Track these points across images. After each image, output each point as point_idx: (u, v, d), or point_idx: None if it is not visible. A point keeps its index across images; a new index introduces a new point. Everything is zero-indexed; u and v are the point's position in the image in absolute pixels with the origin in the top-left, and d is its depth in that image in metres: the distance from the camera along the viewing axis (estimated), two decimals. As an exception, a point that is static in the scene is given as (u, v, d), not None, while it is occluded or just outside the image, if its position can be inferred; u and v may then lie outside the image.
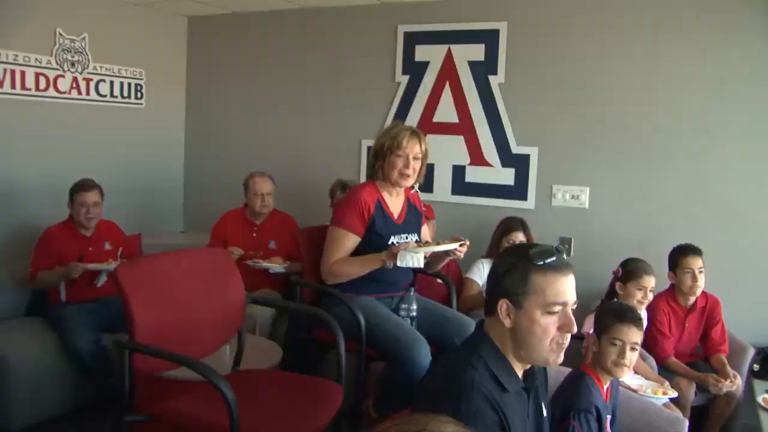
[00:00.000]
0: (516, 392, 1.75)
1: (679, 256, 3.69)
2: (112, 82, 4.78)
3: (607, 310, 2.56)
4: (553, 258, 1.72)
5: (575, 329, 1.74)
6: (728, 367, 3.61)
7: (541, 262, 1.70)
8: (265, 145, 5.15)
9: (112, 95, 4.79)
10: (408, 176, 3.15)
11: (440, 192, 4.53)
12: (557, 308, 1.70)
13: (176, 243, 4.99)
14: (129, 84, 4.90)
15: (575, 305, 1.75)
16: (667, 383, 3.24)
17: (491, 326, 1.78)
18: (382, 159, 3.14)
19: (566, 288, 1.71)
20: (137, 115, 5.00)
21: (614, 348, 2.46)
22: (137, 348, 2.21)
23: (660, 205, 4.14)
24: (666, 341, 3.66)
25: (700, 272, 3.64)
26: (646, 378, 3.27)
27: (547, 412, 1.96)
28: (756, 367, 3.85)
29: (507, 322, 1.72)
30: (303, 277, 3.29)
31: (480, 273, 4.02)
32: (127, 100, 4.90)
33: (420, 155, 3.17)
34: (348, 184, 4.32)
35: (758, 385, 3.70)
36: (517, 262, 1.72)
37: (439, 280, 4.03)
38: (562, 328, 1.71)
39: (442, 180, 4.54)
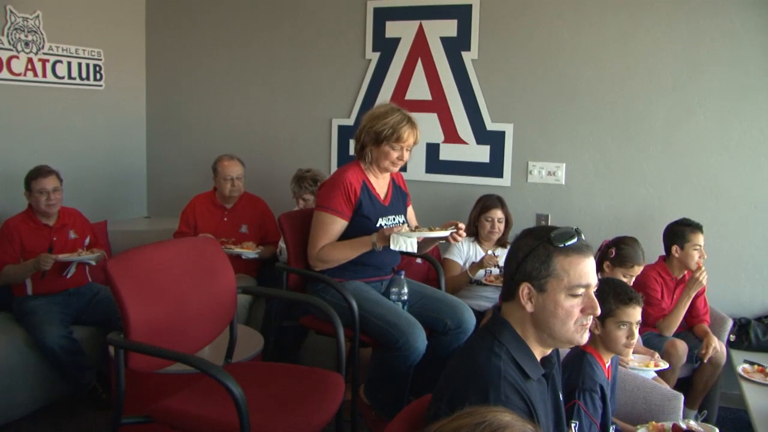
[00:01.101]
0: (537, 379, 1.73)
1: (689, 232, 3.73)
2: (69, 63, 4.54)
3: (606, 293, 2.54)
4: (575, 240, 1.69)
5: (599, 311, 1.73)
6: (711, 335, 3.68)
7: (563, 245, 1.67)
8: (231, 126, 5.00)
9: (69, 77, 4.55)
10: (398, 165, 3.13)
11: (414, 171, 4.46)
12: (581, 291, 1.68)
13: (141, 229, 4.85)
14: (87, 65, 4.66)
15: (596, 287, 1.73)
16: (657, 355, 3.28)
17: (510, 311, 1.75)
18: (374, 144, 3.06)
19: (588, 270, 1.69)
20: (96, 98, 4.77)
21: (622, 331, 2.48)
22: (134, 347, 2.10)
23: (636, 179, 4.16)
24: (659, 305, 3.74)
25: (703, 248, 3.71)
26: (634, 351, 3.30)
27: (563, 396, 1.95)
28: (732, 337, 3.95)
29: (529, 307, 1.69)
30: (289, 263, 3.20)
31: (459, 252, 3.99)
32: (85, 81, 4.67)
33: (413, 145, 3.12)
34: (304, 174, 4.23)
35: (736, 355, 3.79)
36: (538, 245, 1.69)
37: (419, 261, 4.02)
38: (585, 310, 1.69)
39: (416, 158, 4.46)
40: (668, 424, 2.55)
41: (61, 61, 4.48)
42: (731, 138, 3.99)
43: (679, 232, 3.75)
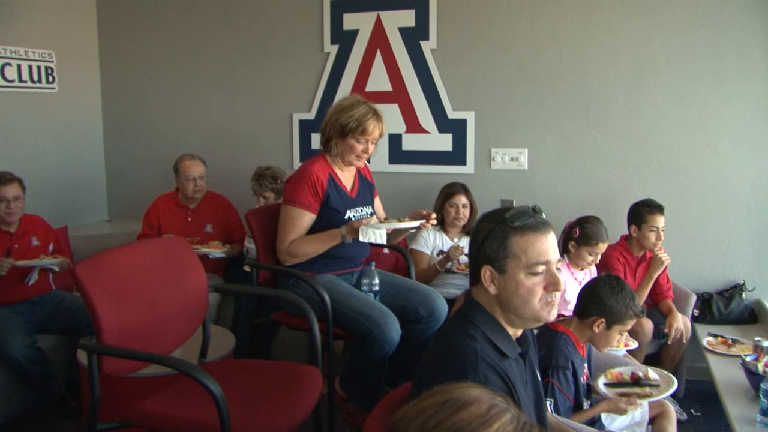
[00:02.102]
0: (514, 358, 1.74)
1: (647, 213, 3.80)
2: (19, 66, 4.40)
3: (627, 305, 2.58)
4: (530, 218, 1.69)
5: (562, 287, 1.74)
6: (675, 313, 3.76)
7: (519, 224, 1.68)
8: (191, 125, 4.92)
9: (20, 80, 4.43)
10: (363, 159, 3.13)
11: (378, 162, 4.44)
12: (541, 268, 1.68)
13: (104, 233, 4.75)
14: (39, 67, 4.53)
15: (559, 263, 1.75)
16: (626, 335, 3.33)
17: (479, 295, 1.76)
18: (339, 137, 3.05)
19: (547, 246, 1.69)
20: (50, 101, 4.65)
21: (621, 336, 2.71)
22: (108, 351, 2.06)
23: (598, 163, 4.21)
24: None
25: (663, 231, 3.78)
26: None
27: (540, 380, 1.96)
28: (696, 312, 4.04)
29: (492, 289, 1.70)
30: (258, 259, 3.17)
31: (426, 242, 4.00)
32: (37, 84, 4.54)
33: (379, 137, 3.11)
34: (264, 172, 4.20)
35: (700, 328, 3.88)
36: (495, 227, 1.70)
37: (386, 251, 4.02)
38: (549, 287, 1.69)
39: (379, 149, 4.42)
40: (627, 372, 2.60)
41: (10, 64, 4.34)
42: (688, 119, 4.07)
43: (638, 213, 3.83)
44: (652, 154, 4.14)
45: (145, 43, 4.99)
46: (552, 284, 1.69)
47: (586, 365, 2.66)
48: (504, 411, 1.05)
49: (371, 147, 3.08)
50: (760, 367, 2.96)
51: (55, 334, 3.75)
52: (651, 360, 3.79)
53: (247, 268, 3.67)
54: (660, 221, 3.78)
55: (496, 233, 1.69)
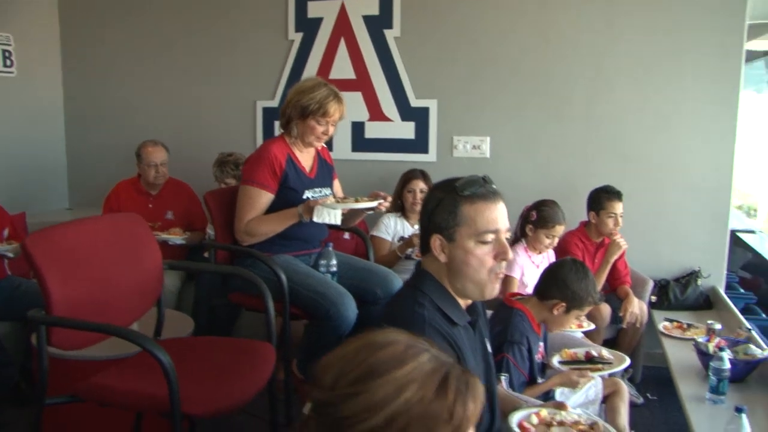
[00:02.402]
0: (463, 326, 1.76)
1: (605, 200, 3.86)
2: (-25, 49, 4.36)
3: (583, 294, 2.63)
4: (481, 187, 1.70)
5: (511, 256, 1.76)
6: (630, 298, 3.82)
7: (469, 192, 1.69)
8: (154, 112, 4.89)
9: (-24, 63, 4.38)
10: (323, 140, 3.13)
11: (340, 150, 4.46)
12: (490, 237, 1.69)
13: (63, 221, 4.66)
14: (-5, 51, 4.49)
15: (509, 233, 1.76)
16: (583, 317, 3.38)
17: (429, 264, 1.78)
18: (299, 118, 3.05)
19: (496, 215, 1.70)
20: (8, 86, 4.58)
21: (576, 321, 2.89)
22: (56, 322, 2.04)
23: (559, 150, 4.27)
24: None
25: (621, 217, 3.83)
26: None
27: (491, 347, 1.99)
28: (653, 298, 4.10)
29: (442, 258, 1.72)
30: (216, 240, 3.16)
31: (387, 229, 4.01)
32: (-6, 68, 4.49)
33: (339, 119, 3.12)
34: (226, 158, 4.18)
35: (657, 315, 3.94)
36: (445, 196, 1.71)
37: (346, 236, 4.03)
38: (498, 256, 1.71)
39: (342, 137, 4.48)
40: (581, 351, 2.64)
41: (-36, 47, 4.29)
42: (647, 108, 4.14)
43: (597, 199, 3.89)
44: (611, 143, 4.20)
45: (108, 28, 4.95)
46: (501, 253, 1.70)
47: (542, 344, 2.69)
48: (422, 351, 1.05)
49: (331, 129, 3.09)
50: (711, 347, 3.01)
51: (11, 320, 3.69)
52: (608, 345, 3.82)
53: (207, 254, 3.66)
54: (618, 207, 3.84)
55: (447, 202, 1.70)
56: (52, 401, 2.15)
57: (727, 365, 2.76)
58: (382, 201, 3.00)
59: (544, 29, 4.20)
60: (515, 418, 1.95)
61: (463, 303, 1.80)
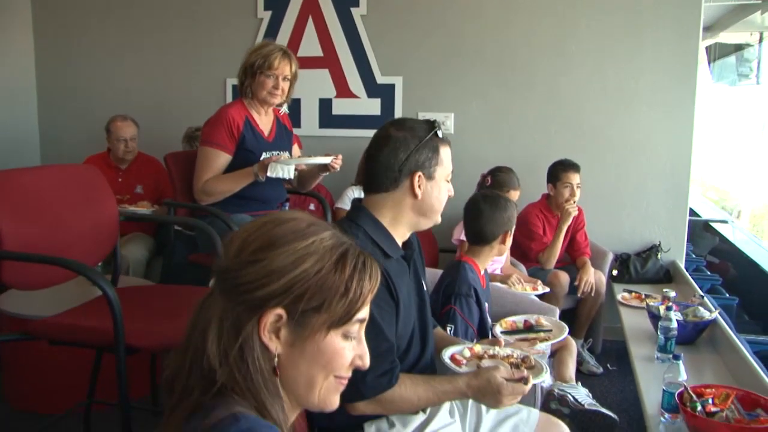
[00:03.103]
0: (397, 259, 1.82)
1: (561, 171, 3.96)
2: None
3: (511, 214, 2.73)
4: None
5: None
6: (587, 268, 3.90)
7: (443, 137, 1.85)
8: (125, 88, 4.93)
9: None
10: (277, 95, 3.16)
11: (308, 126, 4.54)
12: (451, 176, 1.88)
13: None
14: (-33, 30, 4.53)
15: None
16: (539, 282, 3.45)
17: (380, 200, 1.84)
18: (251, 77, 3.12)
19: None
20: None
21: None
22: (6, 255, 2.08)
23: (522, 127, 4.36)
24: (541, 240, 3.94)
25: (578, 187, 3.93)
26: (518, 284, 3.46)
27: (426, 287, 2.04)
28: (614, 272, 4.18)
29: (419, 193, 1.81)
30: (174, 199, 3.22)
31: (350, 200, 4.06)
32: (-35, 44, 4.53)
33: (290, 76, 3.18)
34: (194, 133, 4.24)
35: (618, 288, 4.02)
36: (426, 137, 1.81)
37: (312, 207, 4.09)
38: (449, 191, 1.89)
39: (309, 114, 4.55)
40: (519, 320, 2.69)
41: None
42: (607, 85, 4.24)
43: (554, 172, 3.99)
44: (573, 119, 4.29)
45: (80, 6, 4.98)
46: (450, 190, 1.90)
47: (486, 304, 2.71)
48: (324, 229, 1.12)
49: (283, 84, 3.14)
50: (662, 310, 3.09)
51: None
52: (568, 315, 3.92)
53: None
54: (573, 178, 3.93)
55: (428, 144, 1.81)
56: (3, 338, 2.20)
57: (674, 324, 2.84)
58: (334, 158, 3.06)
59: (507, 9, 4.29)
60: (448, 352, 2.01)
61: (402, 236, 1.87)
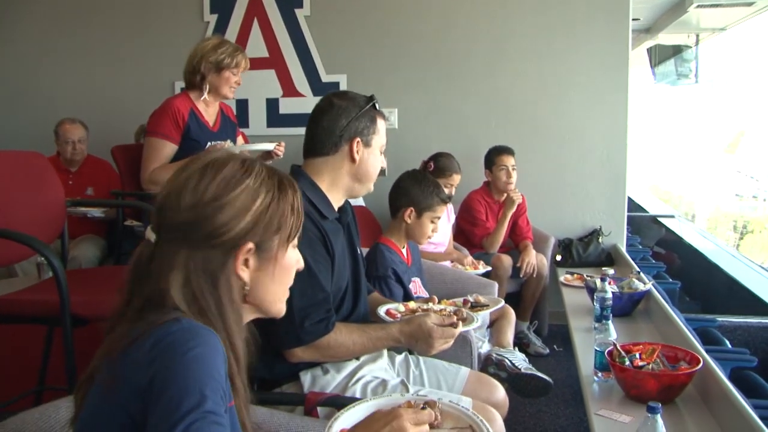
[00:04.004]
0: (332, 221, 1.93)
1: (495, 155, 4.12)
2: None
3: (430, 192, 2.81)
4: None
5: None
6: (529, 251, 4.04)
7: (378, 109, 1.99)
8: (73, 91, 4.96)
9: None
10: (234, 90, 3.32)
11: (256, 126, 4.65)
12: (384, 148, 2.00)
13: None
14: None
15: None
16: (482, 263, 3.57)
17: (318, 165, 1.97)
18: (216, 72, 3.23)
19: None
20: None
21: (432, 225, 2.79)
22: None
23: (463, 120, 4.53)
24: (484, 225, 4.06)
25: (513, 169, 4.09)
26: (462, 264, 3.57)
27: (360, 252, 2.14)
28: (558, 257, 4.33)
29: (357, 158, 1.93)
30: (122, 189, 3.29)
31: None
32: None
33: (244, 69, 3.34)
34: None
35: (561, 272, 4.16)
36: (365, 106, 1.95)
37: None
38: (382, 163, 2.03)
39: (257, 114, 4.66)
40: (459, 300, 2.78)
41: None
42: (544, 76, 4.42)
43: (489, 157, 4.16)
44: (512, 111, 4.46)
45: (27, 9, 5.00)
46: (383, 162, 2.03)
47: (417, 279, 2.78)
48: (254, 162, 1.24)
49: (239, 79, 3.30)
50: (598, 282, 3.22)
51: None
52: (513, 298, 4.04)
53: (131, 223, 3.75)
54: (508, 160, 4.09)
55: (368, 113, 1.95)
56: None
57: (609, 294, 2.96)
58: (277, 145, 3.16)
59: (445, 6, 4.47)
60: (384, 308, 2.11)
61: (335, 203, 1.97)
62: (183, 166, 1.22)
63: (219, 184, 1.16)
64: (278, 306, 1.28)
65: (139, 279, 1.14)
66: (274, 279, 1.22)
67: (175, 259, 1.13)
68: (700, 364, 2.16)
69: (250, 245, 1.17)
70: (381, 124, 1.99)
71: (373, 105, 1.96)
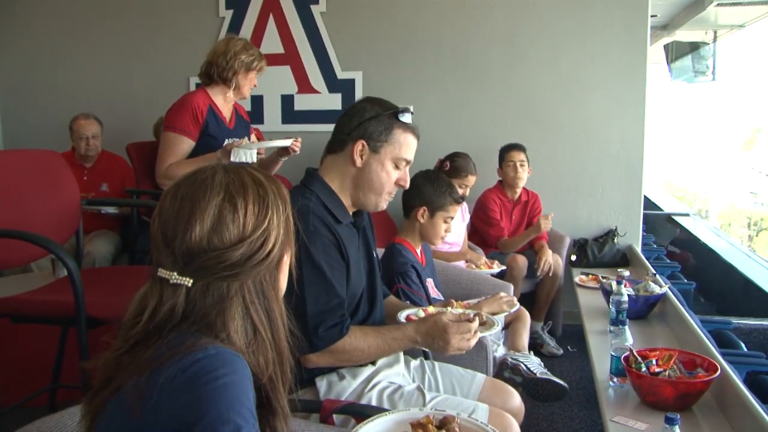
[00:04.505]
0: (347, 225, 1.90)
1: (504, 152, 4.12)
2: None
3: (443, 191, 2.78)
4: (412, 121, 1.92)
5: (408, 185, 1.95)
6: (545, 250, 4.01)
7: (405, 121, 1.89)
8: (89, 88, 4.96)
9: None
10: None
11: (271, 122, 4.64)
12: (403, 164, 1.90)
13: None
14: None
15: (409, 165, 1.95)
16: (496, 262, 3.56)
17: (331, 164, 1.92)
18: (245, 71, 3.26)
19: (413, 148, 1.92)
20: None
21: (446, 225, 2.76)
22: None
23: (479, 116, 4.50)
24: (499, 225, 4.04)
25: (522, 165, 4.07)
26: (477, 264, 3.56)
27: (376, 256, 2.13)
28: (573, 257, 4.30)
29: (358, 162, 1.86)
30: (137, 186, 3.29)
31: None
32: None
33: None
34: None
35: (575, 272, 4.13)
36: (384, 113, 1.88)
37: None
38: (399, 182, 1.92)
39: (272, 110, 4.65)
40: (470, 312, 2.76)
41: None
42: (561, 75, 4.38)
43: (500, 155, 4.15)
44: (528, 109, 4.42)
45: (42, 7, 5.01)
46: (403, 180, 1.92)
47: (431, 279, 2.77)
48: (240, 170, 1.17)
49: None
50: (614, 285, 3.20)
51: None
52: (527, 298, 4.02)
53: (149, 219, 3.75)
54: (516, 156, 4.08)
55: (384, 119, 1.87)
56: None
57: (625, 297, 2.94)
58: (294, 140, 3.15)
59: (462, 3, 4.43)
60: (404, 314, 2.10)
61: (350, 209, 1.95)
62: (166, 193, 1.15)
63: (251, 209, 1.11)
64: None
65: (172, 326, 1.06)
66: (281, 283, 1.22)
67: (229, 294, 1.09)
68: (718, 372, 2.13)
69: (287, 256, 1.18)
70: (402, 137, 1.87)
71: (396, 115, 1.88)
